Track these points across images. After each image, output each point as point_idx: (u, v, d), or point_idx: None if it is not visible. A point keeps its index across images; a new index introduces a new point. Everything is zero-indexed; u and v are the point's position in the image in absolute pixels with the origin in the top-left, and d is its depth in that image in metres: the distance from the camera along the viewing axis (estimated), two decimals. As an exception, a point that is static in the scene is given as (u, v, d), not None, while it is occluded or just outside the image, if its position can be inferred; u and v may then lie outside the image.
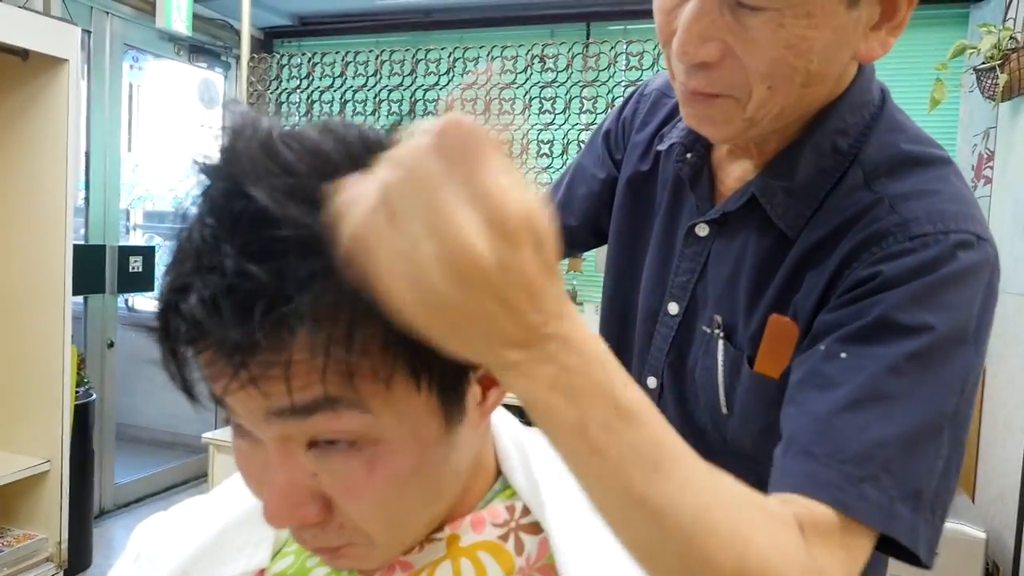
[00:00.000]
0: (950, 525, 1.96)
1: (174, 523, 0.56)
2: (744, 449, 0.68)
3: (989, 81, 2.21)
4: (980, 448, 2.40)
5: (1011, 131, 2.33)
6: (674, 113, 0.76)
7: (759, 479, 0.51)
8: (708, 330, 0.70)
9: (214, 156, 0.37)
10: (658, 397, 0.75)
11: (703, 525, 0.41)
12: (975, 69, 2.28)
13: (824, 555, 0.47)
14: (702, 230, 0.71)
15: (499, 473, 0.51)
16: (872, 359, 0.53)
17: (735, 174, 0.70)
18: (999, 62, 2.14)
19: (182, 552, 0.52)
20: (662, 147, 0.76)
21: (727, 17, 0.54)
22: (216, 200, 0.36)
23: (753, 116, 0.59)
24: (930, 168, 0.61)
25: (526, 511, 0.49)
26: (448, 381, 0.40)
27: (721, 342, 0.69)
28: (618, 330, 0.80)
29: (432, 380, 0.39)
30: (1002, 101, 2.21)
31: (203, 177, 0.38)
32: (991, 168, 2.52)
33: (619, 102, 0.87)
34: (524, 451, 0.51)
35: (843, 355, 0.54)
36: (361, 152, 0.37)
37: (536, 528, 0.48)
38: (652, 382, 0.76)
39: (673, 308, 0.74)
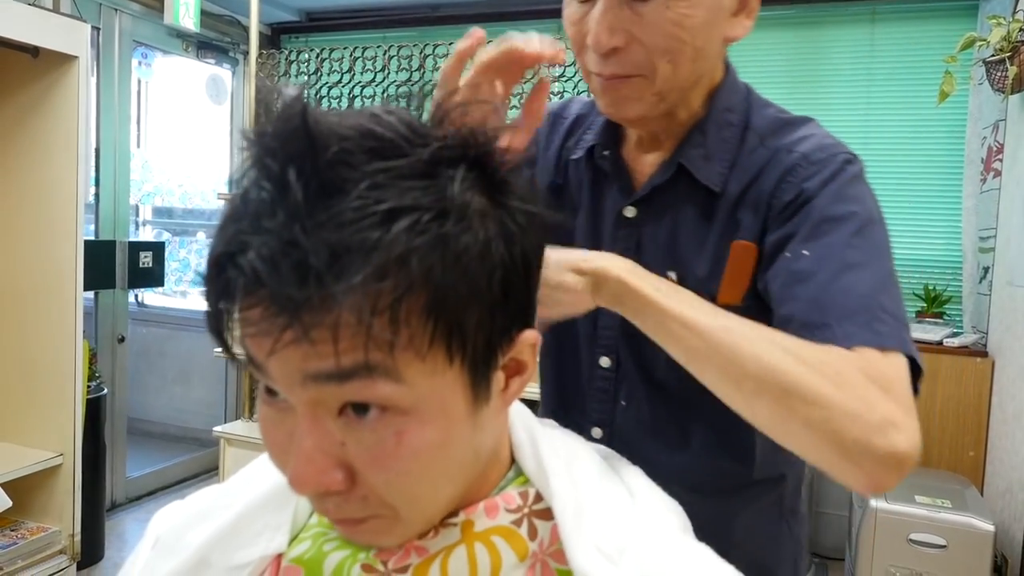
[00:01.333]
0: (959, 517, 1.96)
1: (192, 510, 0.57)
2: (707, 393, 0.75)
3: (999, 74, 2.20)
4: (989, 441, 2.40)
5: (1020, 124, 2.32)
6: (573, 129, 0.87)
7: (728, 421, 0.64)
8: None
9: (267, 128, 0.39)
10: (615, 372, 0.81)
11: (820, 394, 0.57)
12: (984, 61, 2.27)
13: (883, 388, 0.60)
14: (630, 212, 0.80)
15: (513, 462, 0.52)
16: (830, 246, 0.67)
17: (648, 161, 0.81)
18: (1008, 54, 2.13)
19: (200, 537, 0.53)
20: (576, 155, 0.85)
21: (626, 10, 0.68)
22: (271, 167, 0.38)
23: (661, 90, 0.72)
24: (801, 124, 0.78)
25: (539, 497, 0.50)
26: (479, 359, 0.42)
27: None
28: (558, 327, 0.82)
29: (464, 356, 0.41)
30: (1012, 94, 2.20)
31: (257, 147, 0.39)
32: (1000, 161, 2.51)
33: None
34: (535, 440, 0.52)
35: (806, 252, 0.68)
36: (402, 129, 0.39)
37: (548, 514, 0.49)
38: (606, 361, 0.81)
39: None
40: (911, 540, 1.97)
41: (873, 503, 2.03)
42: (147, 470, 3.44)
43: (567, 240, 0.85)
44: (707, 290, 0.74)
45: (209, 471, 3.66)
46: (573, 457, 0.52)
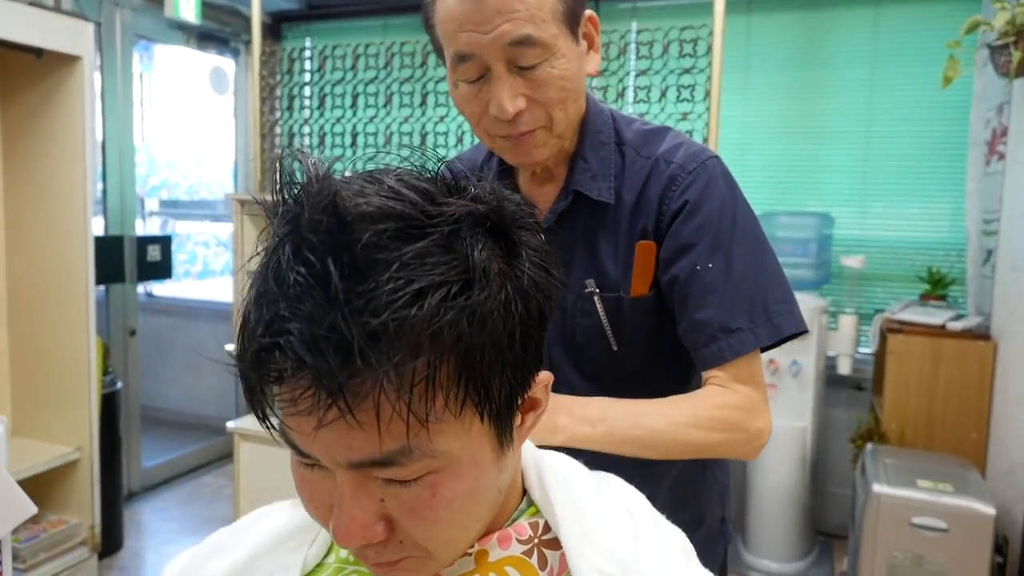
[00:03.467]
0: (960, 501, 1.99)
1: (203, 556, 0.59)
2: (634, 373, 0.95)
3: (1003, 58, 2.19)
4: (991, 424, 2.42)
5: (1025, 107, 2.31)
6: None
7: (651, 395, 0.84)
8: (586, 292, 0.93)
9: (294, 204, 0.41)
10: (554, 375, 0.92)
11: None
12: (988, 46, 2.26)
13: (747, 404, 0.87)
14: None
15: (524, 493, 0.55)
16: (727, 257, 0.87)
17: (546, 191, 0.95)
18: (1013, 39, 2.12)
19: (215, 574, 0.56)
20: None
21: (518, 79, 0.82)
22: (308, 255, 0.39)
23: (561, 133, 0.87)
24: (665, 133, 0.94)
25: (547, 528, 0.52)
26: (503, 410, 0.45)
27: (597, 298, 0.92)
28: None
29: (491, 410, 0.44)
30: (1015, 77, 2.19)
31: (285, 224, 0.41)
32: (1004, 144, 2.50)
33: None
34: (540, 471, 0.54)
35: (711, 266, 0.86)
36: (422, 203, 0.41)
37: (557, 543, 0.52)
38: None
39: None
40: (913, 524, 2.01)
41: (876, 488, 2.06)
42: (162, 459, 3.50)
43: None
44: (622, 287, 0.92)
45: (222, 458, 3.72)
46: (570, 484, 0.55)
